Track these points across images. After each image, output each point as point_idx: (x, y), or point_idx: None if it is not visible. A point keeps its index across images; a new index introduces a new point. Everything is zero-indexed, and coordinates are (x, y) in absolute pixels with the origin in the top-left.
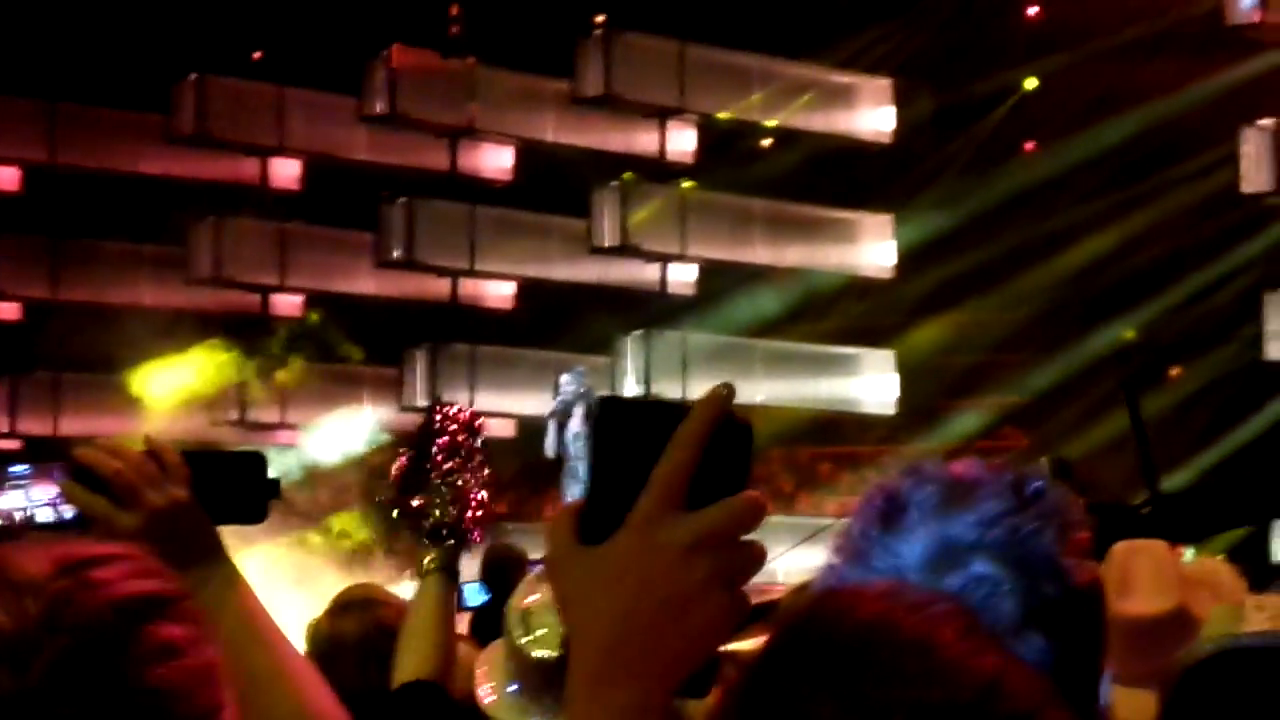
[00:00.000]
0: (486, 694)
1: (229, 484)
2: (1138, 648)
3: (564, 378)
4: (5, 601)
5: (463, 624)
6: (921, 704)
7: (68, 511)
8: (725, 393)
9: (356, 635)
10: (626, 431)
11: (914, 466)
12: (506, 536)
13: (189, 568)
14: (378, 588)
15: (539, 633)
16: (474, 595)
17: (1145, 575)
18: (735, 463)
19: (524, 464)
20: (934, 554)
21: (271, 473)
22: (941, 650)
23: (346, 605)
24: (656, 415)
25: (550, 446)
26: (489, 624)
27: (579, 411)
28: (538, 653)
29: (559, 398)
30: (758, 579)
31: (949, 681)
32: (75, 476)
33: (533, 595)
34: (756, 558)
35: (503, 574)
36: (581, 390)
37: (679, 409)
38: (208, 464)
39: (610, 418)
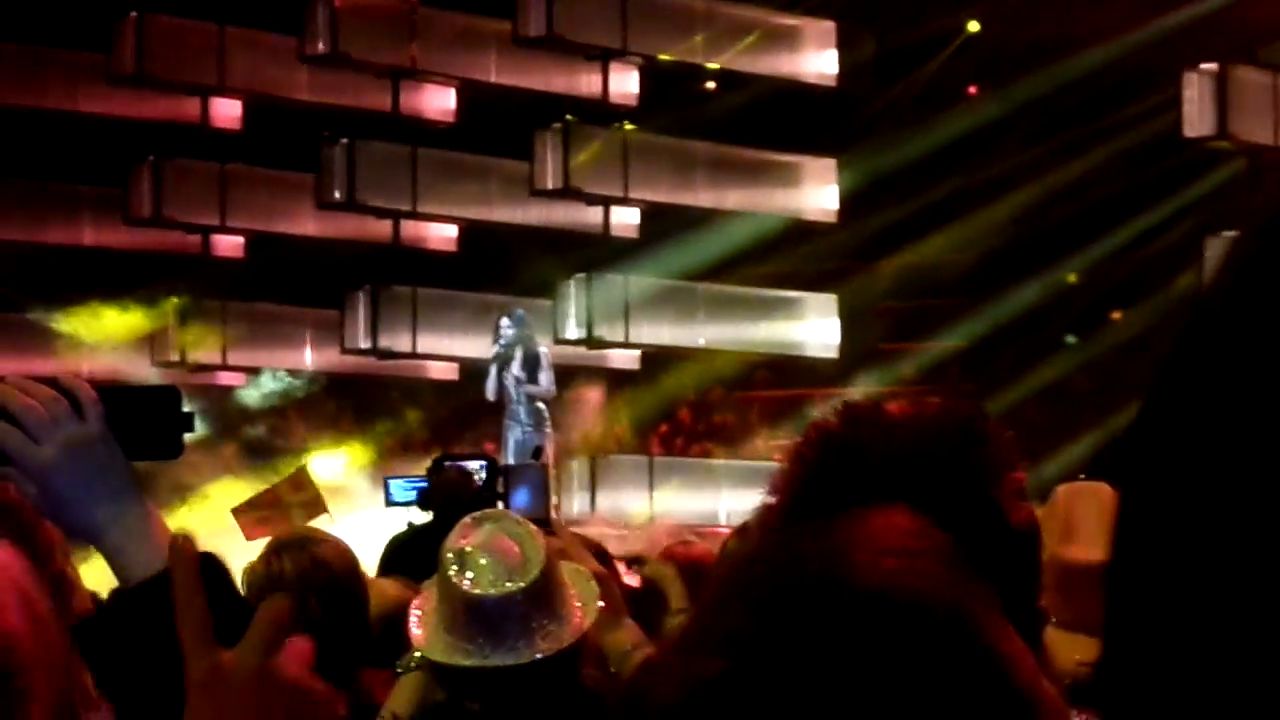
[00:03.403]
0: (419, 632)
1: (144, 419)
2: (1079, 593)
3: (503, 321)
4: None
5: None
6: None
7: None
8: (184, 543)
9: (294, 572)
10: (115, 642)
11: (850, 407)
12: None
13: (102, 503)
14: (312, 528)
15: (472, 574)
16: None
17: (1089, 520)
18: (227, 588)
19: (464, 405)
20: (868, 496)
21: (186, 407)
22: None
23: (282, 547)
24: (126, 606)
25: (491, 390)
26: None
27: (518, 355)
28: (474, 591)
29: (499, 342)
30: (701, 521)
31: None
32: None
33: (468, 536)
34: (305, 650)
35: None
36: (523, 333)
37: (141, 590)
38: (122, 399)
39: (89, 643)
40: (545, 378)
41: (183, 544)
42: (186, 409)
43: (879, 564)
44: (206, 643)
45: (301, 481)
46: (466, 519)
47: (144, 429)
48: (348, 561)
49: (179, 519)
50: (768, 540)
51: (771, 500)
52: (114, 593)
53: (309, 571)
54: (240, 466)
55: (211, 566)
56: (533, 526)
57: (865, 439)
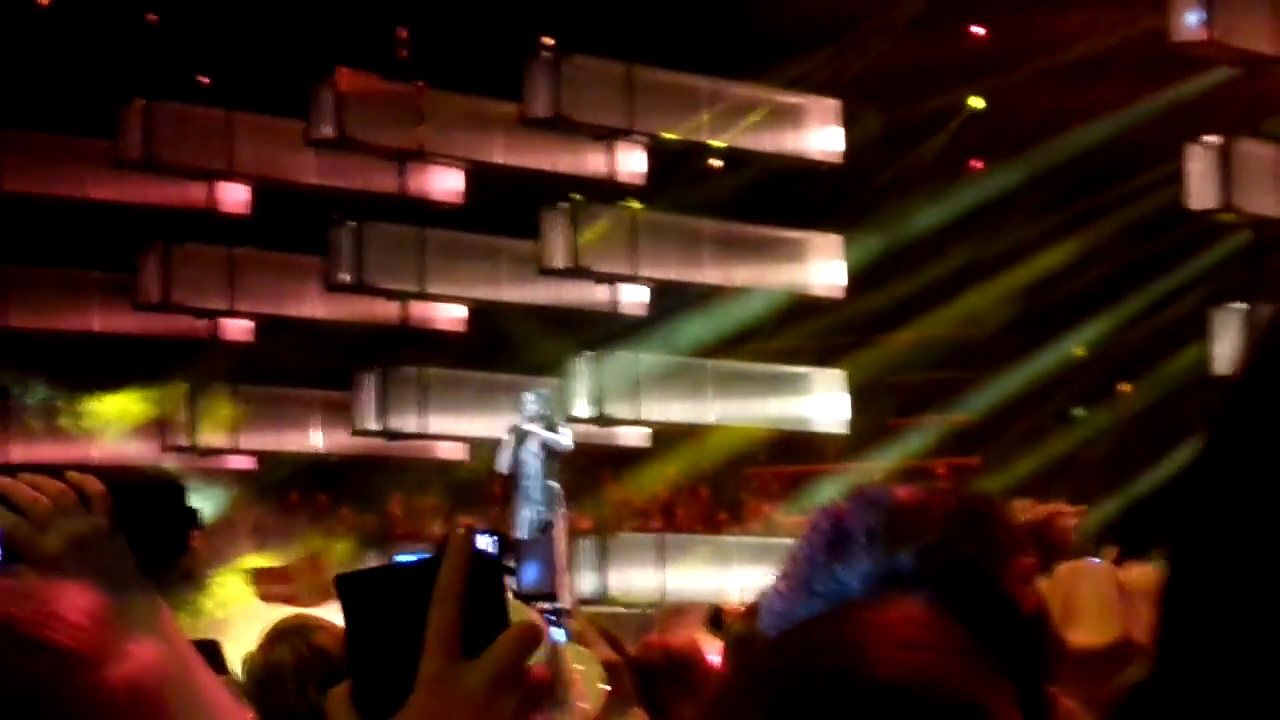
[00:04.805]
0: None
1: (149, 516)
2: (1080, 676)
3: (527, 396)
4: None
5: None
6: None
7: None
8: (466, 535)
9: (292, 662)
10: (374, 601)
11: (859, 492)
12: None
13: (107, 594)
14: (310, 615)
15: None
16: None
17: (1089, 603)
18: (494, 598)
19: (473, 485)
20: (877, 582)
21: (191, 503)
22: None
23: (280, 634)
24: (397, 578)
25: (504, 463)
26: None
27: (537, 432)
28: None
29: (523, 415)
30: (712, 598)
31: None
32: None
33: None
34: (542, 681)
35: None
36: (544, 411)
37: (416, 567)
38: (128, 495)
39: (354, 593)
40: (566, 435)
41: (461, 539)
42: (192, 505)
43: (895, 657)
44: (449, 645)
45: (319, 565)
46: None
47: (150, 525)
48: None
49: (199, 594)
50: (782, 631)
51: (780, 586)
52: None
53: (307, 659)
54: (256, 545)
55: (484, 570)
56: (534, 613)
57: (875, 525)
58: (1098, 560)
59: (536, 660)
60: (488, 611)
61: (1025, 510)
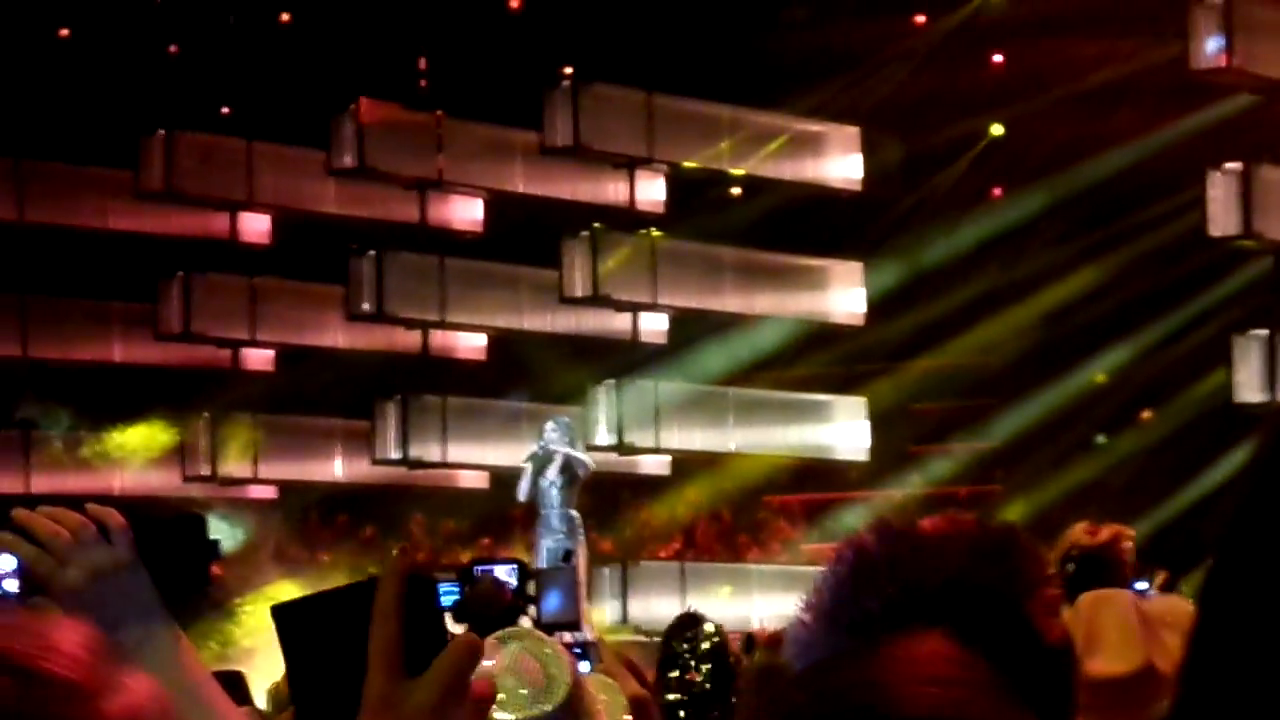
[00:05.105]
0: None
1: (170, 549)
2: (1102, 705)
3: (548, 425)
4: None
5: None
6: None
7: (10, 585)
8: (399, 555)
9: None
10: (312, 629)
11: (882, 522)
12: None
13: (129, 627)
14: None
15: (501, 695)
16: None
17: (1111, 632)
18: (431, 616)
19: (494, 514)
20: (901, 613)
21: (211, 535)
22: None
23: None
24: (333, 604)
25: (523, 491)
26: None
27: (557, 460)
28: (502, 715)
29: (541, 443)
30: (735, 626)
31: None
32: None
33: (493, 658)
34: (485, 694)
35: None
36: (565, 439)
37: (351, 592)
38: (149, 528)
39: (291, 622)
40: (588, 457)
41: (396, 560)
42: (213, 537)
43: (922, 694)
44: (392, 665)
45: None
46: (490, 638)
47: (171, 558)
48: None
49: (228, 623)
50: (808, 666)
51: (805, 617)
52: None
53: None
54: (283, 571)
55: (420, 590)
56: (558, 645)
57: (898, 556)
58: (1144, 584)
59: (478, 676)
60: (426, 630)
61: (1087, 532)
